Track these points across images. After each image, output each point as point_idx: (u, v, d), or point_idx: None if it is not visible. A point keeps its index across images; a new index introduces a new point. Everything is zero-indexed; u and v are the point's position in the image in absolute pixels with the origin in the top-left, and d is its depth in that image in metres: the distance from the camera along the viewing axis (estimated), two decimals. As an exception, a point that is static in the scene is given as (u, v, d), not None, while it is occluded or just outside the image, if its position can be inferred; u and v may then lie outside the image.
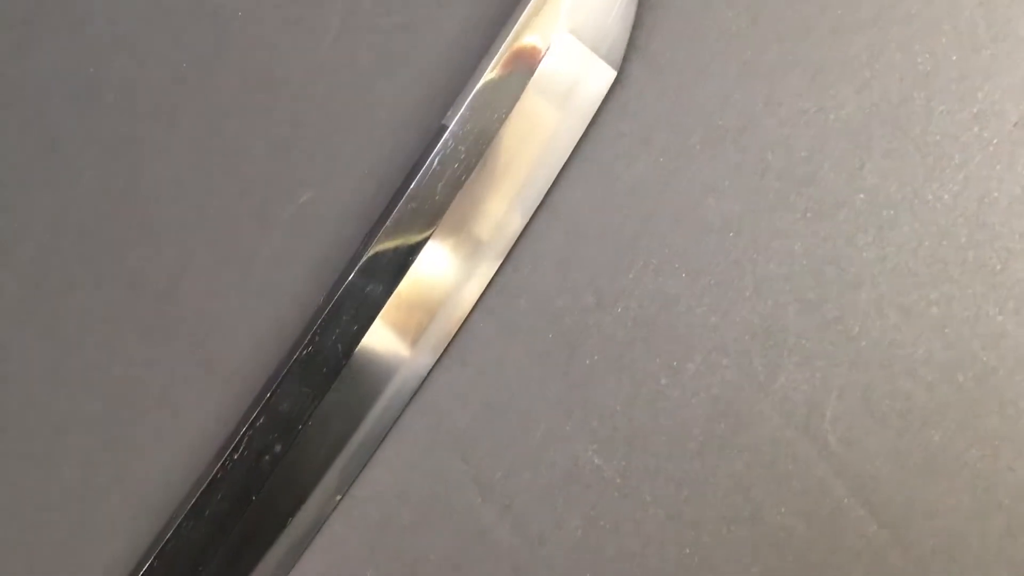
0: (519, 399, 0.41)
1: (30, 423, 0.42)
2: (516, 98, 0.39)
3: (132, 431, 0.42)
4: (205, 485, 0.40)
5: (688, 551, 0.39)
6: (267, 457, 0.40)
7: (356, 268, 0.40)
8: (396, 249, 0.40)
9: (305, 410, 0.40)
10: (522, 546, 0.40)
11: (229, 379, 0.41)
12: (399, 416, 0.41)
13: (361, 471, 0.41)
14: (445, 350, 0.41)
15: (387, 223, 0.40)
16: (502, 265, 0.41)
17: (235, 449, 0.40)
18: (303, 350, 0.40)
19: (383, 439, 0.41)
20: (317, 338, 0.40)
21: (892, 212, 0.40)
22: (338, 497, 0.41)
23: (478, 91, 0.39)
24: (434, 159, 0.39)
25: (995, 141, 0.39)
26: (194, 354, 0.42)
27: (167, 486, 0.41)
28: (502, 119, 0.40)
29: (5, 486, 0.42)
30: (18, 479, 0.42)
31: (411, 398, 0.41)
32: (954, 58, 0.39)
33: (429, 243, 0.40)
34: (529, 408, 0.41)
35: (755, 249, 0.40)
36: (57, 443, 0.42)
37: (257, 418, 0.40)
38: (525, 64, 0.39)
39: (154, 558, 0.40)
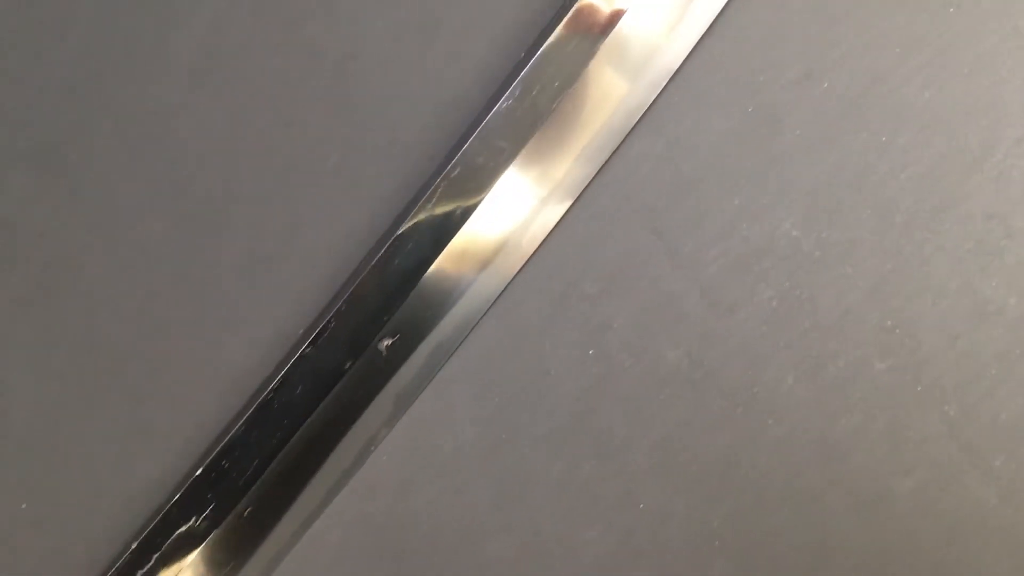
0: (714, 171, 0.40)
1: (208, 174, 0.42)
2: None
3: (310, 194, 0.41)
4: (396, 236, 0.40)
5: (890, 323, 0.38)
6: (458, 210, 0.40)
7: (564, 20, 0.39)
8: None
9: (500, 166, 0.40)
10: (712, 315, 0.39)
11: (411, 146, 0.41)
12: (589, 184, 0.40)
13: (546, 239, 0.41)
14: (639, 120, 0.40)
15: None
16: (701, 39, 0.40)
17: (428, 199, 0.40)
18: (504, 102, 0.39)
19: (571, 207, 0.40)
20: (518, 92, 0.40)
21: None
22: (521, 264, 0.41)
23: None
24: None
25: None
26: (373, 123, 0.41)
27: (350, 246, 0.41)
28: None
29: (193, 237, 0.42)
30: (198, 229, 0.42)
31: (603, 165, 0.40)
32: None
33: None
34: (725, 180, 0.40)
35: (977, 26, 0.39)
36: (239, 202, 0.42)
37: (452, 169, 0.40)
38: None
39: (343, 303, 0.40)
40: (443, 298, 0.41)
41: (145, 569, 0.40)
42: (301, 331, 0.40)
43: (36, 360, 0.41)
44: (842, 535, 0.38)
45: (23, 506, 0.42)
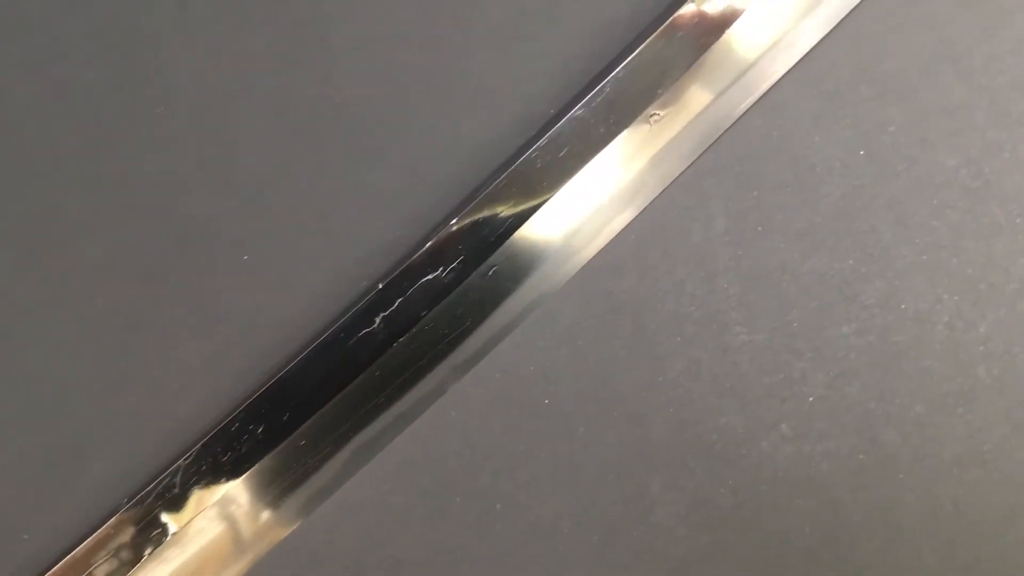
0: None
1: None
2: None
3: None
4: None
5: None
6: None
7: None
8: None
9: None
10: (998, 126, 0.39)
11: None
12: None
13: (821, 40, 0.40)
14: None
15: None
16: None
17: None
18: None
19: (852, 11, 0.39)
20: None
21: None
22: (793, 62, 0.40)
23: None
24: None
25: None
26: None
27: (617, 29, 0.40)
28: None
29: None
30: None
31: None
32: None
33: None
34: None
35: None
36: None
37: None
38: None
39: (621, 68, 0.39)
40: (712, 84, 0.40)
41: (387, 312, 0.40)
42: (573, 95, 0.40)
43: (275, 113, 0.41)
44: None
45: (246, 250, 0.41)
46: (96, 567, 0.39)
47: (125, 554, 0.39)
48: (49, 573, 0.39)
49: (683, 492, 0.39)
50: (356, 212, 0.41)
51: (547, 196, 0.40)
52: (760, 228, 0.40)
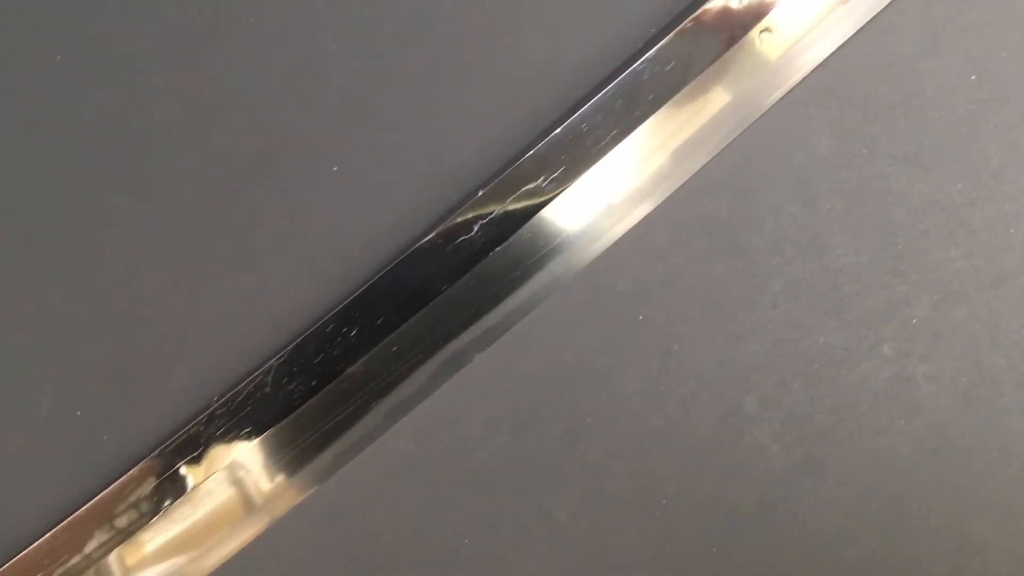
0: None
1: None
2: None
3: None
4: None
5: None
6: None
7: None
8: None
9: None
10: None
11: None
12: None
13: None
14: None
15: None
16: None
17: None
18: None
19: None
20: None
21: None
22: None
23: None
24: None
25: None
26: None
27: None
28: None
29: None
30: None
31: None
32: None
33: None
34: None
35: None
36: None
37: None
38: None
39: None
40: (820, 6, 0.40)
41: (486, 220, 0.40)
42: (683, 8, 0.40)
43: (370, 22, 0.41)
44: None
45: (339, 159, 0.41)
46: (198, 451, 0.39)
47: (217, 449, 0.39)
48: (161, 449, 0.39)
49: (779, 410, 0.39)
50: (454, 123, 0.41)
51: (650, 111, 0.40)
52: (865, 151, 0.39)
